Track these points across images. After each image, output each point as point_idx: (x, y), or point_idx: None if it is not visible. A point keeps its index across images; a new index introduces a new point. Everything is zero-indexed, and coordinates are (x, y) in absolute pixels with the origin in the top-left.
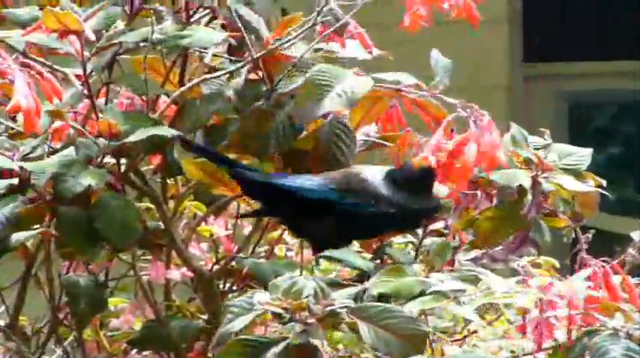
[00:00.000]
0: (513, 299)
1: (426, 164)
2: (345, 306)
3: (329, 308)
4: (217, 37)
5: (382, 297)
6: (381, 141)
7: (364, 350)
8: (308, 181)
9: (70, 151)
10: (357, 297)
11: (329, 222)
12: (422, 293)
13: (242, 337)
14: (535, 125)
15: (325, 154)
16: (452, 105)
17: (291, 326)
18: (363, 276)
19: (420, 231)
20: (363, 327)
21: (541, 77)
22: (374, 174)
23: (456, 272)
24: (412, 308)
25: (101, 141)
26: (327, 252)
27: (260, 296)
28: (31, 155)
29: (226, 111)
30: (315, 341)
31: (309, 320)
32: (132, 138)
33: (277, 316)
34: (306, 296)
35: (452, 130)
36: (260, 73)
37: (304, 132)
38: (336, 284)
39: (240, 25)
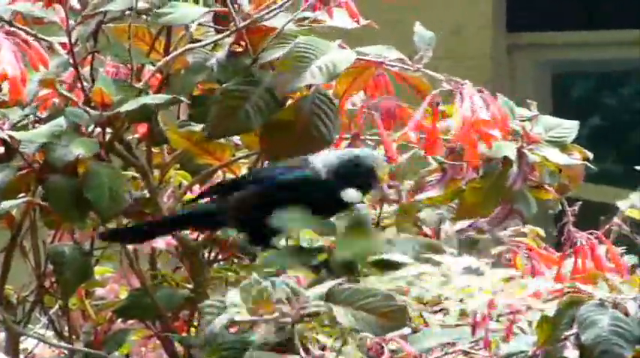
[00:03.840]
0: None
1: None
2: (319, 305)
3: (303, 311)
4: (199, 12)
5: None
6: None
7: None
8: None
9: (60, 121)
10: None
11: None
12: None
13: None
14: (518, 95)
15: (307, 126)
16: (436, 79)
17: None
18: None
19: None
20: (340, 311)
21: (524, 47)
22: (322, 160)
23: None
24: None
25: (90, 110)
26: None
27: (232, 298)
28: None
29: (210, 81)
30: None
31: (284, 320)
32: (124, 108)
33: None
34: (277, 301)
35: (437, 104)
36: (244, 44)
37: (287, 103)
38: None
39: None
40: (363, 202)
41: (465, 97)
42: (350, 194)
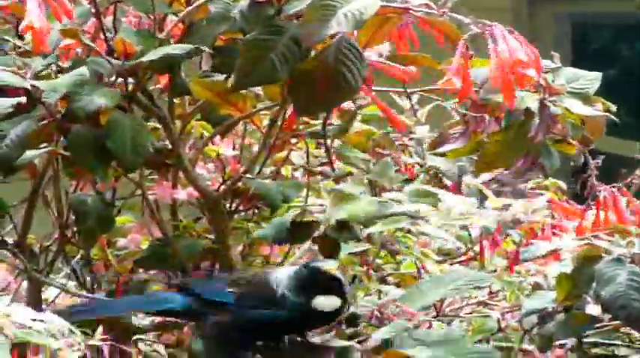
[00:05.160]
0: (469, 221)
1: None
2: None
3: None
4: None
5: (343, 226)
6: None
7: None
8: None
9: (82, 70)
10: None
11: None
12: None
13: None
14: (538, 47)
15: (333, 75)
16: (462, 24)
17: None
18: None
19: None
20: None
21: None
22: (281, 273)
23: (413, 191)
24: (374, 231)
25: (113, 60)
26: None
27: None
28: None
29: (233, 31)
30: None
31: None
32: (146, 58)
33: None
34: None
35: (467, 49)
36: None
37: (312, 54)
38: None
39: None
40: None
41: (497, 38)
42: (321, 301)
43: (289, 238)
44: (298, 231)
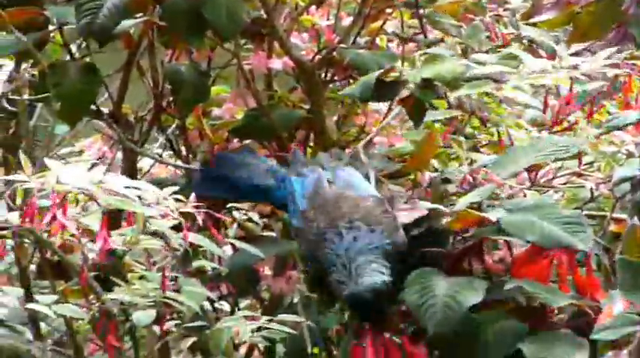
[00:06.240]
0: (545, 80)
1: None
2: None
3: None
4: None
5: (428, 85)
6: None
7: None
8: None
9: None
10: None
11: None
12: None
13: None
14: None
15: None
16: None
17: None
18: None
19: None
20: None
21: None
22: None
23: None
24: (461, 94)
25: None
26: None
27: None
28: None
29: None
30: None
31: None
32: None
33: None
34: None
35: None
36: None
37: None
38: None
39: None
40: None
41: None
42: None
43: (374, 96)
44: (383, 89)
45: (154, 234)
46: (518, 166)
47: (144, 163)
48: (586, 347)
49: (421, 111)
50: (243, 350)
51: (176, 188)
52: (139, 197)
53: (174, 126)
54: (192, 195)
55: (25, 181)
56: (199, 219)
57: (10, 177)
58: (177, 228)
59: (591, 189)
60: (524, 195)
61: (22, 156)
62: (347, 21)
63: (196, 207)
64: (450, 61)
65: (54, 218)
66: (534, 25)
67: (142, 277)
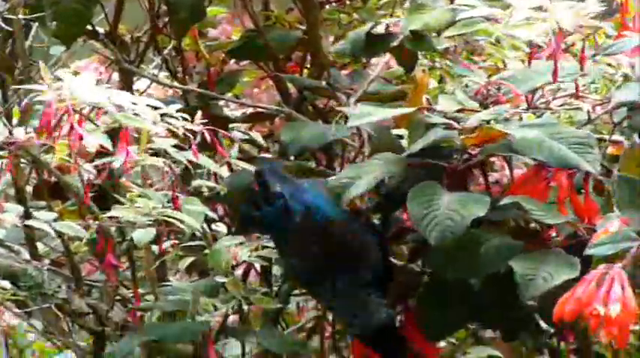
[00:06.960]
0: (530, 30)
1: None
2: None
3: None
4: None
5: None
6: None
7: None
8: None
9: None
10: None
11: None
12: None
13: None
14: None
15: None
16: None
17: None
18: None
19: None
20: None
21: None
22: None
23: None
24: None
25: None
26: None
27: None
28: None
29: None
30: None
31: None
32: None
33: None
34: None
35: None
36: None
37: None
38: None
39: None
40: None
41: None
42: None
43: (366, 50)
44: (374, 42)
45: (156, 154)
46: (536, 82)
47: (141, 84)
48: (577, 264)
49: (412, 59)
50: (240, 270)
51: (179, 106)
52: (136, 114)
53: (170, 47)
54: (199, 113)
55: (43, 91)
56: (207, 135)
57: (29, 87)
58: (176, 147)
59: (588, 111)
60: (520, 119)
61: (42, 65)
62: None
63: (202, 123)
64: (436, 9)
65: (72, 128)
66: None
67: (140, 196)
